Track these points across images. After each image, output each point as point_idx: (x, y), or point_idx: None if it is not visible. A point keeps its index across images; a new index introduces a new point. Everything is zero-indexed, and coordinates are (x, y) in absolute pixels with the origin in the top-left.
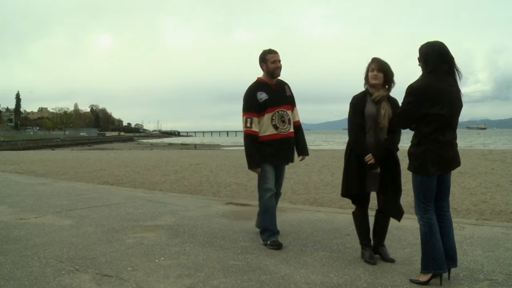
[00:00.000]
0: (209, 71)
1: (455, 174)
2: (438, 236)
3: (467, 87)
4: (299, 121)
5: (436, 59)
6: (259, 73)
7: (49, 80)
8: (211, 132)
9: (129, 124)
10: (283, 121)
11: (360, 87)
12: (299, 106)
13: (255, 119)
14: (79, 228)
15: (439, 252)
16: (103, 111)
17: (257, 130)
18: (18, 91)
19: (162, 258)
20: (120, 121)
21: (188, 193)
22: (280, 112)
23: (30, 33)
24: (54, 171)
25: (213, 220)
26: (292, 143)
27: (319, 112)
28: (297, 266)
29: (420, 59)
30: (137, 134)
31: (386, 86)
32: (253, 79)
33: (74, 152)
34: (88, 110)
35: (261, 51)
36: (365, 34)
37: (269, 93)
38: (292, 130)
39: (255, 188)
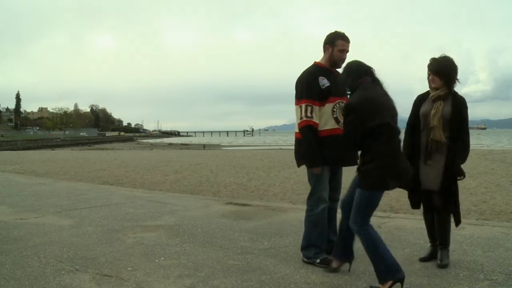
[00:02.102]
0: (209, 71)
1: None
2: (383, 243)
3: (467, 87)
4: None
5: (357, 75)
6: (259, 73)
7: (49, 80)
8: (211, 132)
9: (129, 124)
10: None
11: None
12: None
13: (316, 108)
14: (79, 228)
15: (390, 258)
16: (103, 111)
17: (317, 121)
18: (18, 91)
19: (162, 258)
20: (120, 121)
21: (188, 193)
22: (341, 103)
23: (30, 33)
24: (54, 171)
25: (213, 220)
26: None
27: None
28: (297, 266)
29: (346, 79)
30: (137, 134)
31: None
32: (253, 79)
33: (74, 152)
34: (88, 110)
35: (332, 32)
36: (365, 34)
37: (330, 80)
38: None
39: (255, 188)
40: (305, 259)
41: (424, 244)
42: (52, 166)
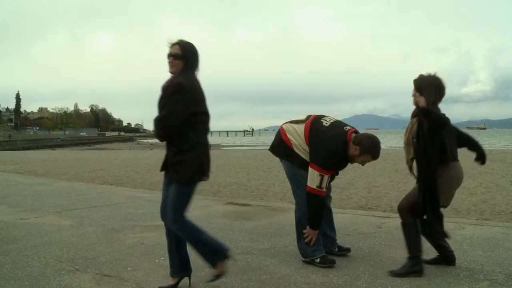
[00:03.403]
0: (209, 71)
1: None
2: (202, 230)
3: (467, 87)
4: None
5: (197, 60)
6: (259, 73)
7: (49, 80)
8: (211, 132)
9: (129, 124)
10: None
11: (358, 87)
12: (299, 107)
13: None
14: (79, 228)
15: (213, 241)
16: (103, 111)
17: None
18: (18, 91)
19: (162, 258)
20: (120, 121)
21: None
22: (333, 175)
23: (30, 33)
24: (54, 171)
25: (213, 220)
26: None
27: (319, 112)
28: (297, 266)
29: (181, 56)
30: (137, 134)
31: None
32: (253, 79)
33: (74, 152)
34: (88, 110)
35: (372, 144)
36: (365, 34)
37: (342, 162)
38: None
39: (255, 188)
40: (304, 259)
41: (424, 244)
42: (52, 166)
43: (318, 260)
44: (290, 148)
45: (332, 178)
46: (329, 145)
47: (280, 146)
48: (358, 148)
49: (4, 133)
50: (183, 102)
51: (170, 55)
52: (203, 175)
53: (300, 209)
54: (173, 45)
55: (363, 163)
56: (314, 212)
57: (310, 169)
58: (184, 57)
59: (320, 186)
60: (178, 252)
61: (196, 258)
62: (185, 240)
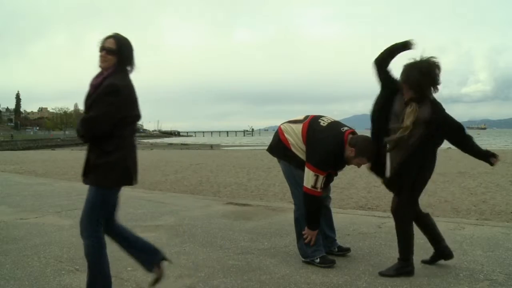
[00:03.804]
0: (209, 71)
1: (454, 174)
2: (107, 256)
3: (467, 87)
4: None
5: (132, 57)
6: (259, 73)
7: (49, 80)
8: (211, 132)
9: None
10: (326, 186)
11: (358, 87)
12: (299, 106)
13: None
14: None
15: (109, 272)
16: None
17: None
18: (18, 91)
19: None
20: None
21: (188, 193)
22: (331, 176)
23: (30, 33)
24: (54, 171)
25: (213, 220)
26: None
27: (319, 112)
28: (297, 266)
29: (115, 51)
30: (137, 134)
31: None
32: (253, 79)
33: (74, 152)
34: None
35: (367, 146)
36: (365, 34)
37: (338, 162)
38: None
39: (255, 188)
40: (304, 259)
41: (424, 244)
42: (52, 166)
43: (318, 260)
44: (287, 148)
45: (329, 179)
46: (325, 145)
47: (279, 146)
48: (354, 150)
49: (5, 133)
50: (115, 105)
51: (103, 49)
52: (129, 179)
53: (299, 209)
54: (107, 38)
55: (358, 165)
56: (310, 212)
57: (306, 168)
58: (118, 52)
59: (314, 186)
60: (135, 246)
61: (197, 258)
62: (131, 234)
